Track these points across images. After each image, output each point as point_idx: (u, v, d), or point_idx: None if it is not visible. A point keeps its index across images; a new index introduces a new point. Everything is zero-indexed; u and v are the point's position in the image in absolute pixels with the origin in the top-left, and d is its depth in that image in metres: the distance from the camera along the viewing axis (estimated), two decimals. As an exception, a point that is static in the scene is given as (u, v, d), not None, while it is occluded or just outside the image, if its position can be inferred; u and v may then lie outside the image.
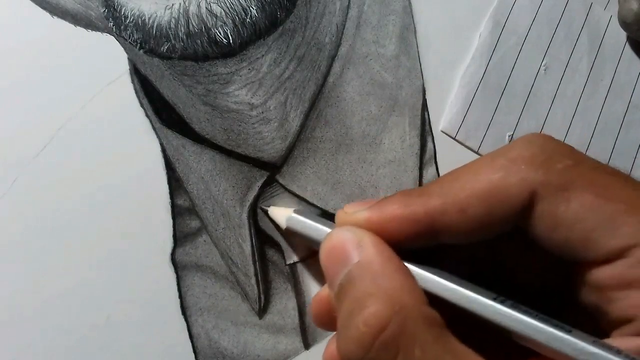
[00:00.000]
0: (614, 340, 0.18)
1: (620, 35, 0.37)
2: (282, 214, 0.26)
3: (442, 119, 0.32)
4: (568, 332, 0.17)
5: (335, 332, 0.22)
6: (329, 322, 0.22)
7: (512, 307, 0.18)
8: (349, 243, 0.19)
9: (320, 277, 0.29)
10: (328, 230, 0.23)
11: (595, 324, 0.19)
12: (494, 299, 0.19)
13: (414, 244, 0.20)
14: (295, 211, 0.25)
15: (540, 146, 0.19)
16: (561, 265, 0.20)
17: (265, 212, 0.27)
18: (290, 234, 0.26)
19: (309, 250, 0.28)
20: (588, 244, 0.18)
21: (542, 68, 0.35)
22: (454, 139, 0.32)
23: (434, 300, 0.19)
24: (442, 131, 0.32)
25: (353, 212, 0.21)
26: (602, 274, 0.18)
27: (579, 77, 0.36)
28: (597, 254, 0.18)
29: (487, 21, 0.34)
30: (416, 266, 0.20)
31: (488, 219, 0.19)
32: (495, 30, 0.34)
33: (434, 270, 0.20)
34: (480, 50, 0.33)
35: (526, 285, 0.21)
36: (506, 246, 0.21)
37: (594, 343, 0.17)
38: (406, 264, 0.20)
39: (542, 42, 0.35)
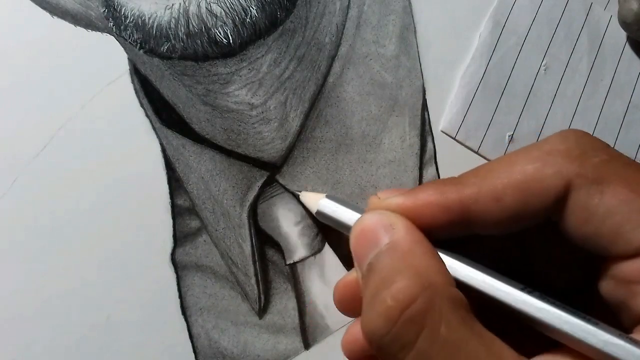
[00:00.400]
0: (636, 336, 0.18)
1: (620, 35, 0.37)
2: (314, 198, 0.26)
3: (442, 119, 0.32)
4: (595, 324, 0.18)
5: (355, 319, 0.22)
6: (353, 306, 0.22)
7: (540, 297, 0.19)
8: (380, 225, 0.20)
9: (321, 277, 0.29)
10: (359, 215, 0.23)
11: (616, 320, 0.19)
12: (522, 289, 0.19)
13: (445, 233, 0.20)
14: (327, 196, 0.25)
15: (575, 140, 0.19)
16: (587, 260, 0.20)
17: (297, 197, 0.27)
18: (321, 219, 0.26)
19: (309, 251, 0.28)
20: (618, 237, 0.18)
21: (542, 68, 0.35)
22: (454, 139, 0.32)
23: (461, 288, 0.19)
24: (442, 131, 0.32)
25: (386, 197, 0.21)
26: (628, 267, 0.18)
27: (579, 77, 0.36)
28: (626, 248, 0.18)
29: (487, 21, 0.33)
30: (446, 253, 0.20)
31: (522, 209, 0.19)
32: (495, 30, 0.34)
33: (463, 258, 0.20)
34: (480, 50, 0.33)
35: (550, 279, 0.22)
36: (534, 240, 0.22)
37: (620, 336, 0.17)
38: (436, 249, 0.20)
39: (542, 42, 0.35)
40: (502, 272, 0.20)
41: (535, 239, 0.21)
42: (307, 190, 0.28)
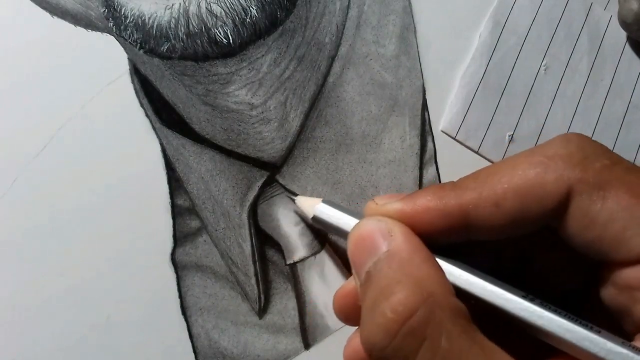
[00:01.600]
0: (639, 343, 0.18)
1: (620, 35, 0.37)
2: (310, 203, 0.25)
3: (442, 119, 0.32)
4: (597, 332, 0.17)
5: (355, 330, 0.22)
6: (353, 315, 0.21)
7: (542, 305, 0.18)
8: (379, 232, 0.19)
9: (321, 277, 0.29)
10: (356, 220, 0.22)
11: (618, 325, 0.19)
12: (523, 297, 0.19)
13: (444, 238, 0.20)
14: (324, 201, 0.25)
15: (577, 145, 0.19)
16: (587, 265, 0.20)
17: (293, 201, 0.27)
18: (317, 224, 0.25)
19: (309, 251, 0.28)
20: (620, 243, 0.18)
21: (542, 68, 0.35)
22: (454, 139, 0.32)
23: (460, 295, 0.19)
24: (442, 131, 0.32)
25: (384, 203, 0.21)
26: (630, 274, 0.18)
27: (579, 77, 0.36)
28: (628, 254, 0.18)
29: (487, 21, 0.33)
30: (445, 260, 0.20)
31: (522, 214, 0.19)
32: (495, 30, 0.34)
33: (462, 265, 0.20)
34: (481, 50, 0.33)
35: (550, 284, 0.21)
36: (533, 245, 0.21)
37: (622, 344, 0.17)
38: (435, 256, 0.19)
39: (542, 42, 0.35)
40: (501, 276, 0.20)
41: (535, 243, 0.21)
42: (304, 195, 0.28)
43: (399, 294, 0.17)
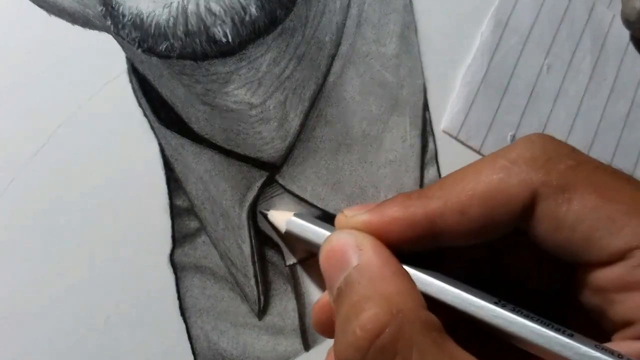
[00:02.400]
0: (615, 344, 0.18)
1: (623, 34, 0.37)
2: (282, 217, 0.26)
3: (443, 119, 0.32)
4: (570, 336, 0.17)
5: (333, 345, 0.22)
6: (329, 328, 0.22)
7: (514, 311, 0.18)
8: (349, 246, 0.19)
9: (321, 279, 0.29)
10: (328, 233, 0.22)
11: (596, 327, 0.19)
12: (495, 303, 0.19)
13: (414, 247, 0.20)
14: (295, 215, 0.25)
15: (541, 146, 0.19)
16: (562, 267, 0.20)
17: (265, 216, 0.27)
18: (290, 238, 0.25)
19: (309, 252, 0.28)
20: (589, 245, 0.18)
21: (545, 67, 0.34)
22: (455, 138, 0.32)
23: (434, 304, 0.19)
24: (443, 131, 0.32)
25: (353, 215, 0.21)
26: (603, 275, 0.18)
27: (581, 76, 0.36)
28: (598, 256, 0.18)
29: (489, 20, 0.33)
30: (416, 269, 0.20)
31: (489, 220, 0.19)
32: (497, 29, 0.33)
33: (434, 274, 0.20)
34: (482, 49, 0.33)
35: (526, 287, 0.21)
36: (506, 248, 0.21)
37: (595, 347, 0.17)
38: (406, 267, 0.19)
39: (545, 41, 0.35)
40: (474, 281, 0.20)
41: (507, 247, 0.21)
42: (304, 195, 0.28)
43: (368, 311, 0.17)
